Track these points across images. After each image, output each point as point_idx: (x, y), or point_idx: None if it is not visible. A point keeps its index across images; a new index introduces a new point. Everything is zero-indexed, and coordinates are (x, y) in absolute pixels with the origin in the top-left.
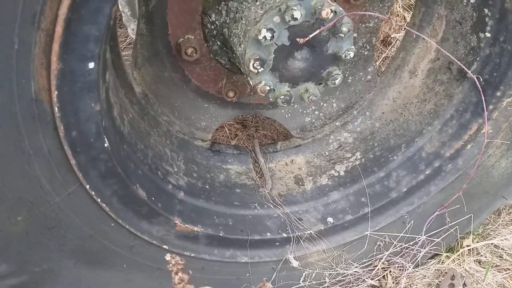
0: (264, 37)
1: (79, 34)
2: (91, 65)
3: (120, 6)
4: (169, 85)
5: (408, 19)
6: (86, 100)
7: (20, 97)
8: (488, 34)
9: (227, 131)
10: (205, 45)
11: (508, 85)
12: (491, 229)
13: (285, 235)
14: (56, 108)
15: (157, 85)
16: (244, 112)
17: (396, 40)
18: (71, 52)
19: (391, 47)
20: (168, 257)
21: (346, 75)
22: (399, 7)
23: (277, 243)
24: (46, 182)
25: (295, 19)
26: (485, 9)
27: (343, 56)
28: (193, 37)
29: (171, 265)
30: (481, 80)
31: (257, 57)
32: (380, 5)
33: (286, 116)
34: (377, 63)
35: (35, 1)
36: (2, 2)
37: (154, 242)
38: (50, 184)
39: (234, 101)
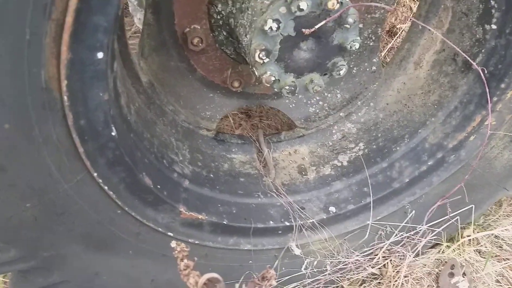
0: (270, 27)
1: (88, 25)
2: (100, 55)
3: None
4: (175, 74)
5: (414, 10)
6: (95, 89)
7: (31, 86)
8: (494, 26)
9: (232, 121)
10: (211, 35)
11: None
12: (492, 219)
13: (287, 223)
14: (65, 97)
15: (163, 74)
16: (249, 102)
17: (402, 31)
18: (80, 42)
19: (397, 37)
20: (173, 244)
21: (351, 66)
22: None
23: (280, 231)
24: (55, 170)
25: (301, 10)
26: (491, 0)
27: (349, 47)
28: (199, 27)
29: (176, 252)
30: (486, 72)
31: (263, 47)
32: None
33: (291, 106)
34: (383, 54)
35: None
36: None
37: (160, 229)
38: (59, 171)
39: (239, 91)
